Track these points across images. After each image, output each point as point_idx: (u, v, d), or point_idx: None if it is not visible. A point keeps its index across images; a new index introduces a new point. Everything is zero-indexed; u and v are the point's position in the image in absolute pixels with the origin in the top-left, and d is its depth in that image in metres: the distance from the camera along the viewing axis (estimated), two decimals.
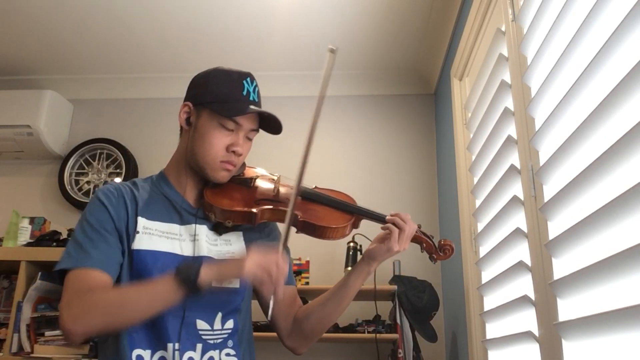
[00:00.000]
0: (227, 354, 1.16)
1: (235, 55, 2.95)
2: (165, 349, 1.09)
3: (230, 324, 1.18)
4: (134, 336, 1.09)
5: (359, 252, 2.51)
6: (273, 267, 1.03)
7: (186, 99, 1.24)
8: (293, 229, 1.21)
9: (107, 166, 3.12)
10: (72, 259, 1.09)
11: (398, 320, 2.29)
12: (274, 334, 1.32)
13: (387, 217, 1.21)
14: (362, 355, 2.65)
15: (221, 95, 1.18)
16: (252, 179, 1.27)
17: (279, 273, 1.03)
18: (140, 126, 3.20)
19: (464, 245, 2.09)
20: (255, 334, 1.30)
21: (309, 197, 1.26)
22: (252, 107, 1.19)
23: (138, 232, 1.13)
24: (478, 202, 1.83)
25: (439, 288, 2.59)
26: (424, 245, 1.24)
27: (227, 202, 1.19)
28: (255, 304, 1.29)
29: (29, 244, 2.57)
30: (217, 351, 1.14)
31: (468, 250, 2.04)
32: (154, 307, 1.04)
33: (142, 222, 1.15)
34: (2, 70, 3.19)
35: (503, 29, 1.62)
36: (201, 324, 1.13)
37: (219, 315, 1.16)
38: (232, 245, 1.23)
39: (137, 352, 1.09)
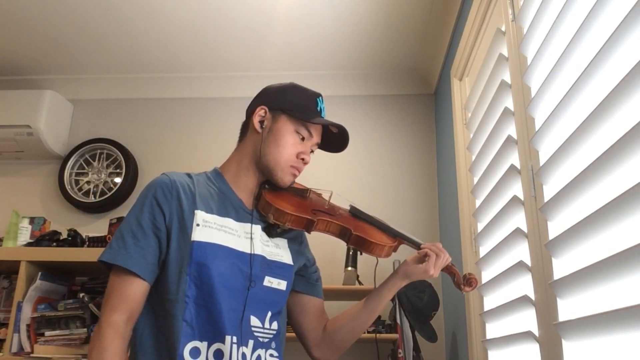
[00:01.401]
0: (271, 355, 1.20)
1: (235, 55, 2.95)
2: (223, 341, 1.10)
3: (275, 325, 1.22)
4: (190, 327, 1.09)
5: (358, 253, 2.51)
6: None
7: (261, 103, 1.29)
8: (341, 242, 1.30)
9: (107, 166, 3.12)
10: (113, 253, 1.12)
11: (398, 320, 2.29)
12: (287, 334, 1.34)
13: (422, 245, 1.29)
14: (362, 355, 2.65)
15: (299, 105, 1.26)
16: (307, 190, 1.34)
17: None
18: (140, 126, 3.20)
19: (464, 245, 2.09)
20: None
21: (359, 215, 1.34)
22: (327, 119, 1.28)
23: (198, 225, 1.15)
24: (478, 202, 1.83)
25: (439, 288, 2.59)
26: (456, 277, 1.30)
27: (287, 205, 1.24)
28: None
29: (29, 244, 2.56)
30: (264, 350, 1.17)
31: (468, 250, 2.04)
32: None
33: (200, 215, 1.17)
34: (2, 70, 3.19)
35: (503, 29, 1.62)
36: (255, 321, 1.16)
37: (269, 314, 1.20)
38: (280, 249, 1.27)
39: (192, 344, 1.09)
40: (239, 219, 1.22)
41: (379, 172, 2.99)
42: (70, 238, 2.51)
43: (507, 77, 1.54)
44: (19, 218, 2.71)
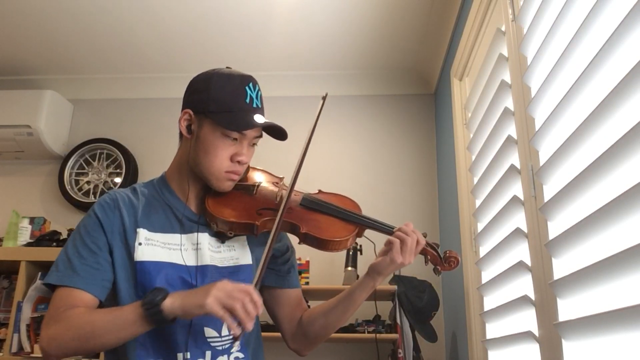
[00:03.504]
0: (236, 358, 1.16)
1: (234, 55, 2.95)
2: (175, 358, 1.09)
3: None
4: (143, 347, 1.09)
5: (358, 252, 2.51)
6: (240, 301, 0.96)
7: (186, 106, 1.21)
8: (295, 239, 1.21)
9: (107, 166, 3.12)
10: (60, 274, 1.09)
11: (398, 320, 2.29)
12: (278, 334, 1.33)
13: (395, 229, 1.19)
14: (362, 355, 2.65)
15: (224, 105, 1.14)
16: (255, 186, 1.25)
17: (250, 309, 0.96)
18: (140, 126, 3.20)
19: (464, 245, 2.09)
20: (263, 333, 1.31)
21: (311, 206, 1.23)
22: (257, 116, 1.16)
23: (140, 244, 1.12)
24: (478, 202, 1.83)
25: (439, 288, 2.59)
26: (429, 257, 1.22)
27: (228, 212, 1.17)
28: None
29: (29, 244, 2.57)
30: (226, 356, 1.14)
31: (468, 250, 2.04)
32: (122, 336, 1.02)
33: (143, 233, 1.14)
34: (2, 70, 3.19)
35: (503, 29, 1.62)
36: (209, 332, 1.13)
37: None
38: (235, 250, 1.22)
39: None
40: (184, 231, 1.18)
41: (379, 172, 2.99)
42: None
43: (507, 77, 1.54)
44: (19, 218, 2.71)
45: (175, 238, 1.16)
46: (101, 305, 1.11)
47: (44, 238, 2.57)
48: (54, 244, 2.52)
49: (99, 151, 3.14)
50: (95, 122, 3.24)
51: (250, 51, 2.92)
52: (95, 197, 3.03)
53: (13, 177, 3.17)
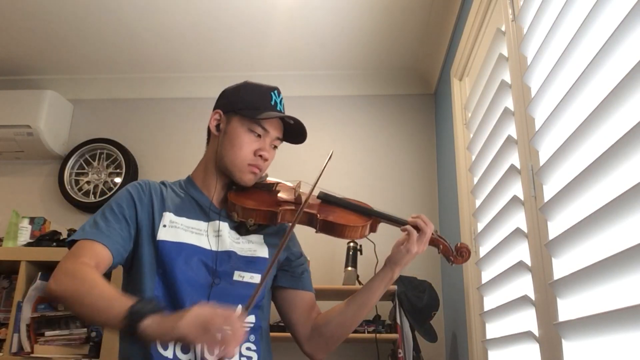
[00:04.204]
0: (248, 348, 1.19)
1: (235, 55, 2.95)
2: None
3: (251, 318, 1.21)
4: None
5: (358, 252, 2.51)
6: (218, 327, 0.89)
7: (217, 108, 1.32)
8: (312, 230, 1.27)
9: (107, 166, 3.12)
10: (84, 232, 1.15)
11: (398, 320, 2.29)
12: (284, 334, 1.34)
13: (409, 220, 1.25)
14: (362, 355, 2.65)
15: (251, 103, 1.26)
16: (274, 184, 1.33)
17: (230, 336, 0.89)
18: (140, 126, 3.20)
19: None
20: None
21: (329, 199, 1.33)
22: (278, 113, 1.27)
23: (164, 226, 1.19)
24: (478, 202, 1.83)
25: (439, 288, 2.59)
26: (441, 247, 1.27)
27: (250, 202, 1.25)
28: None
29: (29, 244, 2.57)
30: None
31: None
32: (98, 319, 1.02)
33: (168, 216, 1.21)
34: (2, 70, 3.19)
35: (503, 29, 1.62)
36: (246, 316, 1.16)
37: (239, 307, 1.18)
38: (253, 243, 1.27)
39: None
40: (208, 219, 1.25)
41: (379, 172, 2.99)
42: None
43: (507, 77, 1.54)
44: (19, 218, 2.71)
45: (199, 224, 1.23)
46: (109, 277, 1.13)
47: (44, 238, 2.57)
48: (54, 244, 2.52)
49: (99, 151, 3.14)
50: (95, 122, 3.24)
51: (251, 51, 2.92)
52: (95, 197, 3.03)
53: (13, 177, 3.17)
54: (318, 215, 1.25)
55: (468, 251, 1.26)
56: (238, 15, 2.61)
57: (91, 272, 1.06)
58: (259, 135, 1.26)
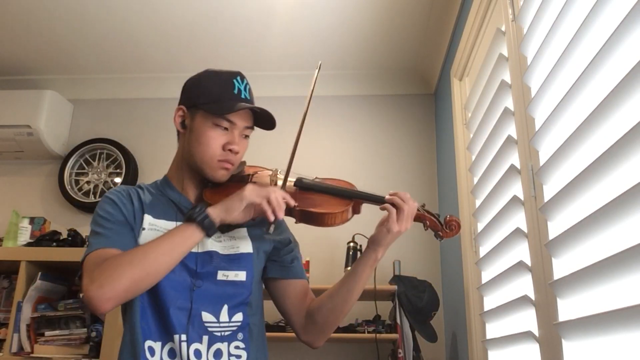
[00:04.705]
0: (237, 347, 1.17)
1: (234, 55, 2.95)
2: (172, 340, 1.12)
3: (239, 317, 1.19)
4: (145, 327, 1.12)
5: (358, 252, 2.51)
6: (272, 193, 1.11)
7: (179, 103, 1.27)
8: (292, 219, 1.22)
9: (107, 166, 3.12)
10: (90, 247, 1.14)
11: (398, 320, 2.29)
12: (285, 334, 1.32)
13: (386, 198, 1.20)
14: (362, 355, 2.65)
15: (213, 96, 1.20)
16: (249, 175, 1.29)
17: (280, 198, 1.11)
18: (140, 126, 3.20)
19: (464, 245, 2.09)
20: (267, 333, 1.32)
21: (305, 186, 1.26)
22: (242, 104, 1.20)
23: (144, 229, 1.18)
24: (478, 202, 1.83)
25: (439, 288, 2.59)
26: (427, 222, 1.21)
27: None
28: (270, 304, 1.32)
29: (29, 244, 2.57)
30: (225, 343, 1.16)
31: (468, 250, 2.04)
32: (176, 252, 1.09)
33: (148, 219, 1.19)
34: (2, 70, 3.19)
35: (503, 29, 1.62)
36: (207, 316, 1.15)
37: (225, 307, 1.18)
38: (236, 239, 1.25)
39: (148, 343, 1.12)
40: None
41: (379, 172, 2.99)
42: (70, 238, 2.51)
43: (507, 77, 1.54)
44: (19, 218, 2.71)
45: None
46: None
47: (44, 238, 2.57)
48: (54, 244, 2.52)
49: (99, 151, 3.14)
50: (95, 122, 3.24)
51: (250, 51, 2.92)
52: (95, 197, 3.03)
53: (13, 177, 3.17)
54: (296, 205, 1.18)
55: (458, 224, 1.20)
56: (238, 16, 2.61)
57: (120, 253, 1.08)
58: (226, 129, 1.20)
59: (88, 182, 3.09)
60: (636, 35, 0.83)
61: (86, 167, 3.12)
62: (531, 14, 1.31)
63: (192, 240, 1.10)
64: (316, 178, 1.30)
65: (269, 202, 1.10)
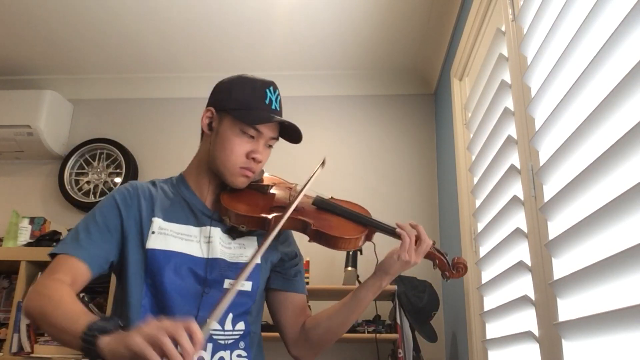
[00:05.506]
0: (239, 355, 1.17)
1: (235, 55, 2.95)
2: (176, 346, 1.10)
3: (241, 325, 1.19)
4: None
5: (359, 252, 2.51)
6: (170, 336, 0.82)
7: (209, 104, 1.26)
8: (305, 237, 1.22)
9: (107, 166, 3.12)
10: (65, 245, 1.13)
11: (398, 320, 2.29)
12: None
13: (403, 226, 1.19)
14: (362, 355, 2.65)
15: (244, 103, 1.20)
16: (268, 186, 1.28)
17: (185, 344, 0.82)
18: (140, 126, 3.20)
19: (464, 245, 2.09)
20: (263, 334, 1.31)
21: (323, 206, 1.26)
22: (274, 115, 1.20)
23: (153, 232, 1.15)
24: (478, 202, 1.83)
25: (439, 288, 2.59)
26: (437, 262, 1.22)
27: (242, 207, 1.20)
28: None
29: (29, 244, 2.57)
30: (228, 352, 1.15)
31: (468, 250, 2.04)
32: (62, 338, 0.96)
33: (157, 222, 1.17)
34: (2, 70, 3.19)
35: (503, 29, 1.62)
36: (212, 324, 1.13)
37: (230, 316, 1.17)
38: (246, 249, 1.23)
39: None
40: (199, 224, 1.21)
41: (379, 172, 2.99)
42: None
43: (507, 77, 1.54)
44: (19, 218, 2.71)
45: (190, 230, 1.19)
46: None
47: (44, 238, 2.57)
48: (54, 244, 2.52)
49: (99, 151, 3.14)
50: (95, 122, 3.24)
51: (251, 51, 2.92)
52: (95, 197, 3.04)
53: (13, 177, 3.17)
54: (312, 224, 1.18)
55: (465, 267, 1.21)
56: (238, 16, 2.61)
57: (60, 289, 1.02)
58: (252, 137, 1.20)
59: (88, 182, 3.09)
60: (636, 35, 0.83)
61: (86, 167, 3.12)
62: (531, 14, 1.31)
63: (68, 343, 0.94)
64: (332, 198, 1.31)
65: (162, 348, 0.81)
